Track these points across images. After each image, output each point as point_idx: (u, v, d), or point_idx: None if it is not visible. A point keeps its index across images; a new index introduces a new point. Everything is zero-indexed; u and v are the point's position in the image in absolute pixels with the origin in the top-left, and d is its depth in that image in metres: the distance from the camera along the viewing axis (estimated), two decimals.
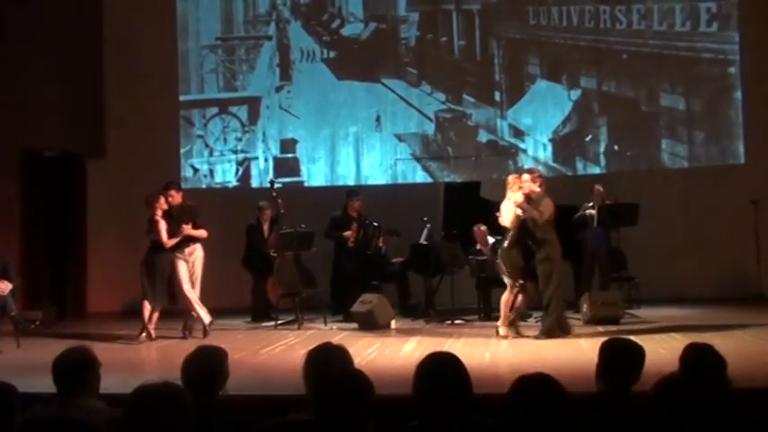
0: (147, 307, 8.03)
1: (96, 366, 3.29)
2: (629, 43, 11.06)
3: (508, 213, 7.51)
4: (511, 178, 7.71)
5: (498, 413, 2.46)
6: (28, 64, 9.99)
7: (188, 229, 8.13)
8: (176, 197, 8.23)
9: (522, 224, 7.46)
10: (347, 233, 9.44)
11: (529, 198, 7.45)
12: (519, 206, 7.42)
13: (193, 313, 8.21)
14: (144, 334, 7.94)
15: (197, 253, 8.27)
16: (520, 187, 7.46)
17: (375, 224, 9.56)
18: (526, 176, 7.57)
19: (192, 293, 8.19)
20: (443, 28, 11.47)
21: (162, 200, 8.10)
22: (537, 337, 7.47)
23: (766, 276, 9.68)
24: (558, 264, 7.54)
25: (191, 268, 8.23)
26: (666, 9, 10.89)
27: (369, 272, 9.42)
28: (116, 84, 11.37)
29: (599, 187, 9.33)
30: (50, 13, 10.36)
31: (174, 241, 8.07)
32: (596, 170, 11.02)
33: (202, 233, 8.30)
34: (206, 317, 8.21)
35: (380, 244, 9.60)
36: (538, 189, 7.49)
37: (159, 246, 8.04)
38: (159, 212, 8.05)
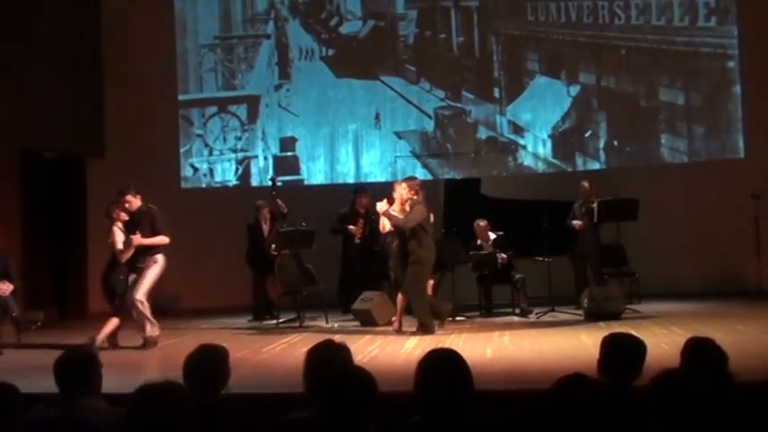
0: (114, 321, 7.42)
1: (98, 366, 3.29)
2: (628, 38, 11.05)
3: (384, 220, 8.10)
4: (396, 185, 8.06)
5: (536, 411, 2.45)
6: (27, 65, 9.99)
7: (137, 239, 7.41)
8: (134, 202, 7.52)
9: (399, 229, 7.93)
10: (352, 228, 9.45)
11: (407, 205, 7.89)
12: (384, 214, 7.90)
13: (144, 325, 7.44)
14: (97, 342, 7.19)
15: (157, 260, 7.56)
16: (401, 195, 7.87)
17: None
18: (403, 185, 7.95)
19: (143, 307, 7.43)
20: (442, 25, 11.47)
21: (119, 211, 7.48)
22: (414, 333, 7.68)
23: (766, 270, 9.69)
24: (428, 267, 7.85)
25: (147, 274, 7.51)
26: (665, 4, 10.88)
27: (374, 268, 9.42)
28: (115, 84, 11.38)
29: (585, 184, 9.35)
30: (49, 14, 10.35)
31: (129, 254, 7.43)
32: (596, 166, 11.03)
33: (161, 240, 7.55)
34: (151, 330, 7.44)
35: (388, 240, 9.59)
36: (415, 197, 7.84)
37: (112, 255, 7.48)
38: (119, 224, 7.46)
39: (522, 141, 11.23)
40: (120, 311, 7.44)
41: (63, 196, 10.94)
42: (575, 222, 9.25)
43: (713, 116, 10.83)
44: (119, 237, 7.43)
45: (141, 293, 7.44)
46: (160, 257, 7.57)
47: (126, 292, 7.43)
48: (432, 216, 8.09)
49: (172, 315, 9.98)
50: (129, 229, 7.49)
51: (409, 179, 8.22)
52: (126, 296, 7.41)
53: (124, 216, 7.48)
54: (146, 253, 7.52)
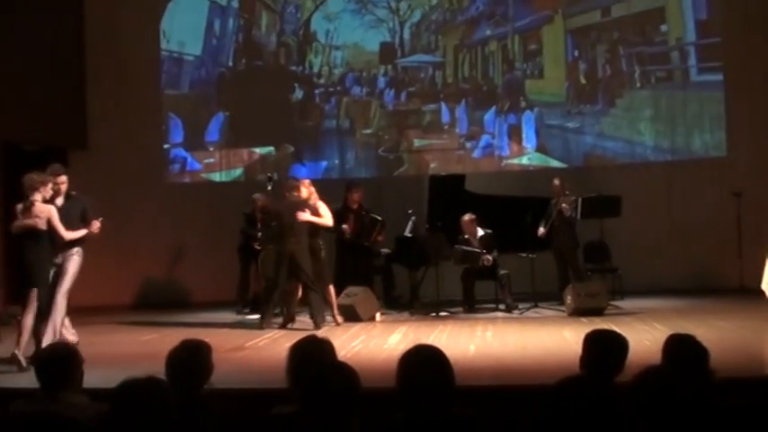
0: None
1: (79, 361, 3.27)
2: (615, 39, 11.15)
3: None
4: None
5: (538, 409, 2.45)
6: (8, 56, 9.89)
7: (96, 225, 6.76)
8: (66, 184, 6.87)
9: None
10: (344, 227, 9.43)
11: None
12: None
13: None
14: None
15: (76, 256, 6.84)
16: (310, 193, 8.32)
17: (379, 218, 9.53)
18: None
19: (60, 309, 6.69)
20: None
21: (49, 185, 6.56)
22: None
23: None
24: (299, 263, 8.07)
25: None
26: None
27: (361, 264, 9.40)
28: (98, 75, 11.28)
29: (556, 182, 9.40)
30: (32, 4, 10.26)
31: (75, 235, 6.68)
32: (580, 162, 11.06)
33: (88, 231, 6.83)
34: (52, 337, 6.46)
35: (380, 238, 9.57)
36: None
37: (39, 239, 6.42)
38: (39, 198, 6.45)
39: (507, 138, 11.25)
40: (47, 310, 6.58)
41: None
42: (539, 231, 9.23)
43: (697, 114, 10.87)
44: (55, 213, 6.46)
45: (64, 291, 6.74)
46: (79, 251, 6.85)
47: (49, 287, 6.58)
48: (301, 215, 8.13)
49: (156, 309, 9.94)
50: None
51: (295, 180, 8.81)
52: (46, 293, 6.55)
53: (48, 192, 6.54)
54: (68, 245, 6.73)
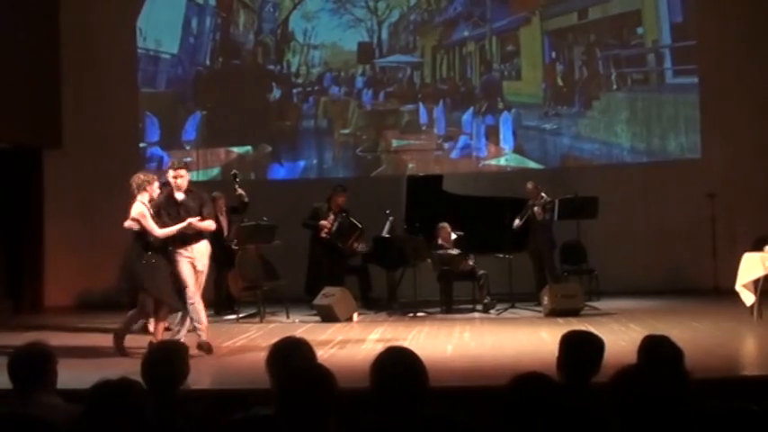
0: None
1: (54, 361, 3.22)
2: (591, 41, 11.20)
3: None
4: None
5: (497, 410, 2.45)
6: None
7: (196, 221, 6.73)
8: (181, 179, 6.79)
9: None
10: (323, 222, 9.39)
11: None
12: None
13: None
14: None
15: None
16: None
17: (359, 225, 9.49)
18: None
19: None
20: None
21: (155, 184, 6.72)
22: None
23: (722, 269, 9.87)
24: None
25: None
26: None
27: (335, 264, 9.38)
28: (74, 73, 11.15)
29: (530, 185, 9.47)
30: (5, 1, 10.13)
31: (169, 232, 6.68)
32: (557, 163, 11.12)
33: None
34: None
35: (356, 245, 9.54)
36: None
37: (137, 238, 6.69)
38: (147, 198, 6.63)
39: (484, 139, 11.28)
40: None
41: (19, 188, 10.73)
42: (515, 223, 9.30)
43: (672, 117, 10.97)
44: (147, 213, 6.59)
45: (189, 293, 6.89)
46: (173, 250, 6.87)
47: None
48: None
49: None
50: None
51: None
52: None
53: (153, 193, 6.66)
54: (163, 244, 6.77)
